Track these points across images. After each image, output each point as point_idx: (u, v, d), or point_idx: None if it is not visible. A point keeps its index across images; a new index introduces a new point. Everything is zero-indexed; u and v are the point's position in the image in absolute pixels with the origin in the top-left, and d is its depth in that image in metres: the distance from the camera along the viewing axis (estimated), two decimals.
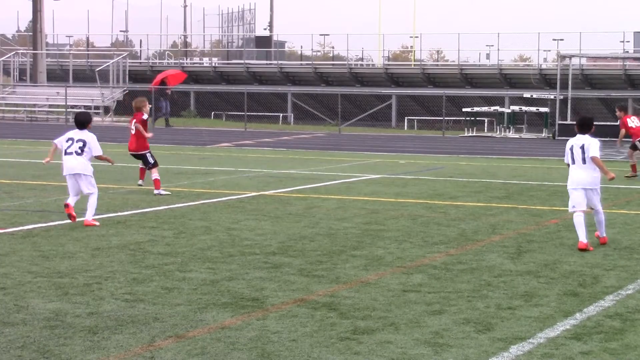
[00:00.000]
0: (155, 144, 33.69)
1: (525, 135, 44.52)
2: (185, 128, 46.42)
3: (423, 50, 70.82)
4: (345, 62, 62.08)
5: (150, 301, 9.11)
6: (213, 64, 64.76)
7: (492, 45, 61.59)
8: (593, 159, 12.58)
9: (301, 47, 74.17)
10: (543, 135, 43.76)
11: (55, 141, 14.97)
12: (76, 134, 14.79)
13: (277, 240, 12.85)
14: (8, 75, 58.18)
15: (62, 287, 9.66)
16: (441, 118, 45.94)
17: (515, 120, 45.97)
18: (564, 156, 12.98)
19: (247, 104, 47.39)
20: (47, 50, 59.03)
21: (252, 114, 50.20)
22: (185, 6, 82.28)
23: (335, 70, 61.06)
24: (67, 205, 14.14)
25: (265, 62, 64.73)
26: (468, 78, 56.19)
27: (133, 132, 19.12)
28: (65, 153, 14.67)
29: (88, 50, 72.58)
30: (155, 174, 18.50)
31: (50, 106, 52.09)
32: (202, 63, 68.76)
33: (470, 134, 44.57)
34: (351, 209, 16.29)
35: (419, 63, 62.31)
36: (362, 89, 56.70)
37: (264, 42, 71.16)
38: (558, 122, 42.14)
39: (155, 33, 74.53)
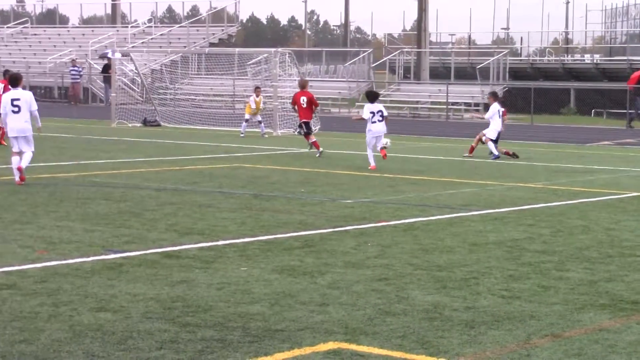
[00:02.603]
0: (532, 142, 33.52)
1: None
2: (565, 125, 45.77)
3: None
4: None
5: (526, 299, 9.13)
6: (594, 61, 63.29)
7: None
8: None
9: None
10: None
11: (365, 116, 22.21)
12: (374, 107, 22.21)
13: None
14: (393, 73, 60.08)
15: (441, 280, 9.91)
16: None
17: None
18: None
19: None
20: (430, 48, 60.40)
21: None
22: (567, 2, 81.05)
23: None
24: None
25: None
26: None
27: (305, 105, 25.66)
28: (373, 122, 22.00)
29: (469, 48, 73.43)
30: (313, 138, 25.68)
31: (432, 103, 53.25)
32: (583, 60, 67.33)
33: None
34: None
35: None
36: None
37: None
38: None
39: (536, 30, 74.00)
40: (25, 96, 17.79)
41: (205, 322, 8.03)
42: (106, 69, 51.30)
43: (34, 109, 17.68)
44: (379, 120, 22.07)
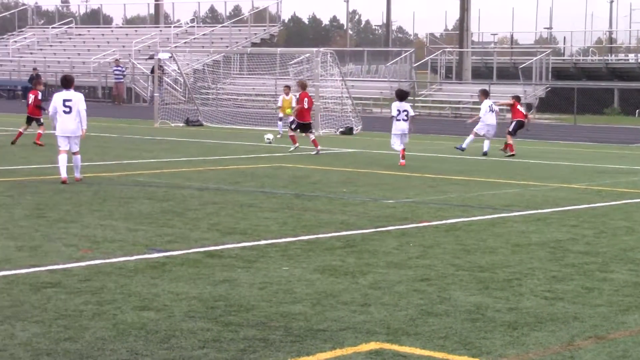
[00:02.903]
0: (575, 142, 33.25)
1: None
2: (609, 126, 45.40)
3: None
4: None
5: (569, 300, 9.07)
6: (639, 60, 62.74)
7: None
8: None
9: None
10: None
11: (393, 112, 23.24)
12: (402, 105, 23.08)
13: None
14: (435, 73, 59.95)
15: (483, 281, 9.87)
16: None
17: None
18: None
19: None
20: (472, 48, 60.16)
21: None
22: (611, 1, 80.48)
23: None
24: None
25: None
26: None
27: (306, 106, 26.37)
28: (397, 120, 22.91)
29: (512, 48, 73.05)
30: (312, 135, 26.47)
31: (474, 103, 53.00)
32: (628, 59, 66.75)
33: None
34: None
35: None
36: None
37: None
38: None
39: (579, 29, 73.54)
40: (76, 97, 18.06)
41: (247, 322, 8.06)
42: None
43: (82, 108, 17.93)
44: (404, 120, 22.92)
